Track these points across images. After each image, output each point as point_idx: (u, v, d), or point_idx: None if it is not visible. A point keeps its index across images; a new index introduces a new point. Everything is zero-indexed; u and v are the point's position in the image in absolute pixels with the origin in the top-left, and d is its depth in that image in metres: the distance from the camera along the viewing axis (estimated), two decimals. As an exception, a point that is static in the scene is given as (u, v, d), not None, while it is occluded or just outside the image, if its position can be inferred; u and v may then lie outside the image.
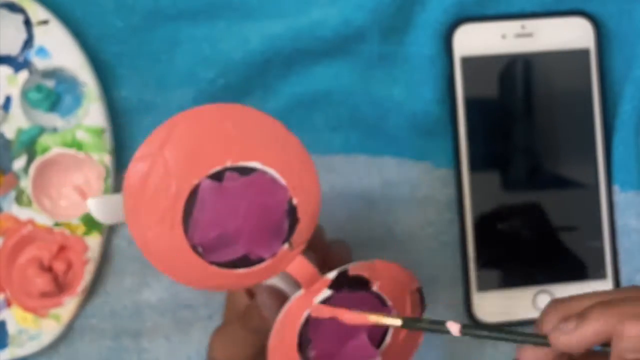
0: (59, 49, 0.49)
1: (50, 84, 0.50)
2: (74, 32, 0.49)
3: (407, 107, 0.52)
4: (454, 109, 0.52)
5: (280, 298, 0.40)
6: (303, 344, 0.39)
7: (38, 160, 0.50)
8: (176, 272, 0.37)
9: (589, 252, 0.53)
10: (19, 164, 0.50)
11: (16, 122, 0.50)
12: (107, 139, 0.50)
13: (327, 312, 0.39)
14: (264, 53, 0.51)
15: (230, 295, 0.45)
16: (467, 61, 0.52)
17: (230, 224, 0.37)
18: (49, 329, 0.50)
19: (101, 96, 0.50)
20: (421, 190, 0.53)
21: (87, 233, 0.50)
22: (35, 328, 0.50)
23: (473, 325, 0.37)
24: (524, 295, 0.53)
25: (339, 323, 0.39)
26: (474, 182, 0.52)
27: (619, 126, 0.53)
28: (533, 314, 0.52)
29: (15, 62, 0.49)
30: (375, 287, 0.40)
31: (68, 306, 0.50)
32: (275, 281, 0.41)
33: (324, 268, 0.39)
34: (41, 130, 0.50)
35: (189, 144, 0.36)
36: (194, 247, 0.37)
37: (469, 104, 0.52)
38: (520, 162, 0.53)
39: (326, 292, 0.39)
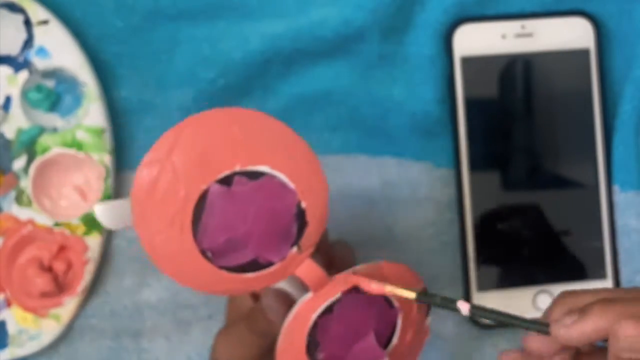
0: (59, 49, 0.49)
1: (50, 84, 0.50)
2: (74, 32, 0.49)
3: (407, 107, 0.52)
4: (454, 109, 0.52)
5: (286, 301, 0.40)
6: (311, 347, 0.39)
7: (38, 160, 0.50)
8: (185, 277, 0.37)
9: (589, 252, 0.53)
10: (19, 164, 0.50)
11: (16, 122, 0.50)
12: (107, 139, 0.50)
13: (353, 280, 0.39)
14: (264, 53, 0.51)
15: (233, 297, 0.45)
16: (467, 61, 0.52)
17: (239, 228, 0.37)
18: (49, 329, 0.50)
19: (101, 96, 0.50)
20: (421, 190, 0.53)
21: (87, 233, 0.50)
22: (35, 328, 0.50)
23: (481, 307, 0.37)
24: (524, 295, 0.53)
25: (347, 325, 0.40)
26: (474, 182, 0.52)
27: (619, 126, 0.53)
28: (533, 314, 0.52)
29: (15, 62, 0.49)
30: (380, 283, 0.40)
31: (68, 306, 0.50)
32: (281, 284, 0.41)
33: (328, 269, 0.39)
34: (41, 130, 0.50)
35: (197, 148, 0.36)
36: (203, 252, 0.37)
37: (469, 104, 0.52)
38: (520, 162, 0.53)
39: (336, 295, 0.39)
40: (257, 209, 0.37)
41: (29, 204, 0.50)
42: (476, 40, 0.52)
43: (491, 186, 0.52)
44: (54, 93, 0.50)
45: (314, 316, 0.39)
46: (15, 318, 0.50)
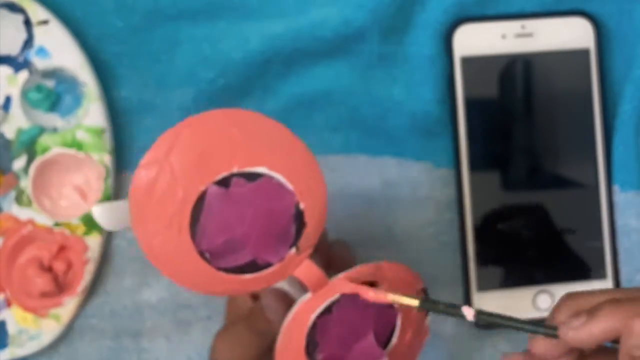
0: (59, 49, 0.49)
1: (50, 84, 0.50)
2: (74, 32, 0.49)
3: (407, 107, 0.52)
4: (454, 109, 0.52)
5: (285, 301, 0.40)
6: (310, 347, 0.39)
7: (38, 160, 0.50)
8: (183, 278, 0.37)
9: (589, 252, 0.53)
10: (19, 164, 0.50)
11: (16, 122, 0.50)
12: (107, 139, 0.50)
13: (351, 288, 0.39)
14: (264, 53, 0.51)
15: (232, 297, 0.45)
16: (467, 61, 0.52)
17: (237, 230, 0.37)
18: (49, 329, 0.50)
19: (101, 96, 0.50)
20: (421, 190, 0.53)
21: (87, 233, 0.50)
22: (35, 328, 0.50)
23: (486, 311, 0.37)
24: (524, 295, 0.53)
25: (347, 325, 0.40)
26: (474, 182, 0.52)
27: (619, 126, 0.53)
28: (533, 314, 0.52)
29: (15, 62, 0.49)
30: (381, 289, 0.40)
31: (68, 306, 0.50)
32: (281, 284, 0.41)
33: (326, 269, 0.39)
34: (41, 130, 0.50)
35: (195, 150, 0.36)
36: (202, 253, 0.37)
37: (469, 104, 0.52)
38: (520, 162, 0.53)
39: (335, 296, 0.39)
40: (255, 210, 0.37)
41: (29, 204, 0.50)
42: (476, 40, 0.52)
43: (491, 186, 0.52)
44: (54, 93, 0.50)
45: (312, 316, 0.39)
46: (15, 318, 0.50)
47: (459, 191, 0.52)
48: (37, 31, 0.49)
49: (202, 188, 0.36)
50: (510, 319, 0.37)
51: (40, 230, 0.50)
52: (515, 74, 0.52)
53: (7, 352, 0.50)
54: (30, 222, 0.50)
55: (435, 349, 0.53)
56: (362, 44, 0.51)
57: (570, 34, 0.53)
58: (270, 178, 0.37)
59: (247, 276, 0.38)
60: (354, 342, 0.40)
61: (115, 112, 0.51)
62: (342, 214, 0.52)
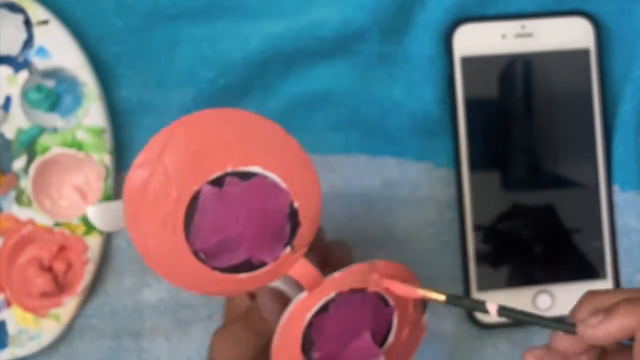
0: (59, 49, 0.49)
1: (50, 84, 0.50)
2: (74, 32, 0.49)
3: (407, 107, 0.52)
4: (454, 109, 0.52)
5: (282, 300, 0.40)
6: (307, 346, 0.39)
7: (38, 160, 0.50)
8: (178, 278, 0.37)
9: (589, 252, 0.53)
10: (19, 164, 0.50)
11: (16, 122, 0.50)
12: (107, 139, 0.50)
13: (385, 284, 0.39)
14: (264, 53, 0.51)
15: (230, 297, 0.45)
16: (467, 61, 0.52)
17: (231, 229, 0.37)
18: (49, 329, 0.50)
19: (101, 96, 0.50)
20: (421, 190, 0.53)
21: (87, 233, 0.50)
22: (35, 328, 0.50)
23: (509, 307, 0.38)
24: (524, 295, 0.53)
25: (343, 324, 0.40)
26: (474, 182, 0.52)
27: (619, 126, 0.53)
28: (533, 314, 0.52)
29: (15, 62, 0.49)
30: (377, 287, 0.40)
31: (68, 306, 0.50)
32: (277, 283, 0.41)
33: (324, 268, 0.39)
34: (41, 130, 0.50)
35: (188, 149, 0.36)
36: (196, 253, 0.37)
37: (469, 104, 0.52)
38: (520, 162, 0.53)
39: (330, 294, 0.39)
40: (249, 209, 0.37)
41: (29, 204, 0.50)
42: (476, 40, 0.52)
43: (491, 186, 0.52)
44: (54, 93, 0.50)
45: (308, 315, 0.39)
46: (15, 318, 0.50)
47: (459, 191, 0.52)
48: (37, 31, 0.49)
49: (195, 188, 0.36)
50: (531, 315, 0.38)
51: (40, 230, 0.50)
52: (515, 74, 0.52)
53: (7, 352, 0.50)
54: (30, 222, 0.50)
55: (435, 349, 0.53)
56: (362, 44, 0.51)
57: (570, 34, 0.53)
58: (264, 177, 0.37)
59: (242, 275, 0.38)
60: (350, 340, 0.40)
61: (115, 112, 0.51)
62: (342, 214, 0.52)
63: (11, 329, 0.50)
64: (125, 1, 0.50)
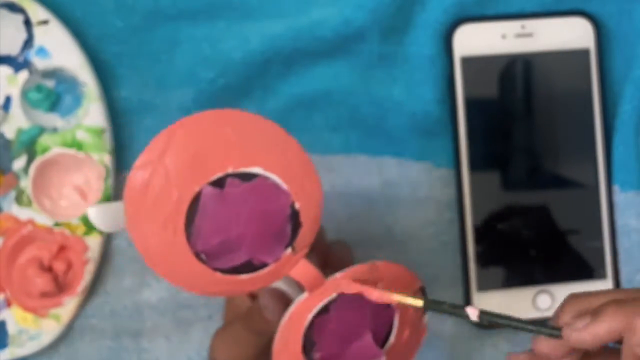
0: (59, 49, 0.49)
1: (50, 84, 0.50)
2: (74, 32, 0.49)
3: (407, 107, 0.52)
4: (454, 109, 0.52)
5: (283, 300, 0.40)
6: (308, 347, 0.39)
7: (38, 160, 0.50)
8: (179, 279, 0.37)
9: (589, 252, 0.53)
10: (19, 164, 0.50)
11: (16, 122, 0.50)
12: (107, 139, 0.50)
13: (355, 288, 0.39)
14: (264, 53, 0.51)
15: (231, 297, 0.45)
16: (467, 61, 0.52)
17: (232, 230, 0.37)
18: (49, 329, 0.50)
19: (101, 96, 0.50)
20: (421, 190, 0.53)
21: (87, 233, 0.50)
22: (35, 328, 0.50)
23: (490, 312, 0.38)
24: (524, 295, 0.53)
25: (344, 324, 0.39)
26: (474, 182, 0.52)
27: (619, 126, 0.53)
28: (533, 314, 0.52)
29: (15, 62, 0.49)
30: (378, 288, 0.40)
31: (68, 306, 0.50)
32: (278, 284, 0.41)
33: (324, 269, 0.39)
34: (41, 130, 0.50)
35: (189, 150, 0.36)
36: (197, 254, 0.37)
37: (469, 104, 0.52)
38: (520, 162, 0.53)
39: (331, 295, 0.39)
40: (250, 210, 0.37)
41: (29, 204, 0.50)
42: (476, 40, 0.52)
43: (491, 186, 0.52)
44: (54, 93, 0.50)
45: (309, 316, 0.39)
46: (15, 318, 0.50)
47: (459, 191, 0.52)
48: (37, 31, 0.49)
49: (196, 189, 0.36)
50: (513, 319, 0.37)
51: (40, 230, 0.50)
52: (515, 74, 0.52)
53: (7, 352, 0.50)
54: (30, 222, 0.50)
55: (435, 349, 0.53)
56: (362, 44, 0.51)
57: (570, 34, 0.53)
58: (265, 178, 0.37)
59: (243, 276, 0.38)
60: (351, 341, 0.40)
61: (115, 112, 0.51)
62: (342, 214, 0.52)
63: (11, 329, 0.50)
64: (125, 1, 0.50)
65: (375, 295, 0.39)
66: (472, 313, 0.38)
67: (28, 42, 0.49)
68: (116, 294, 0.52)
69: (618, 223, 0.53)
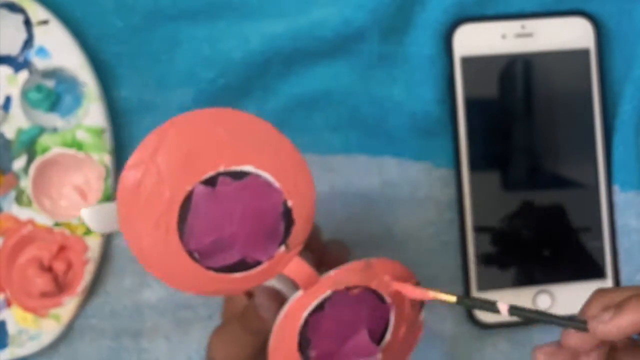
0: (59, 49, 0.49)
1: (50, 84, 0.50)
2: (74, 32, 0.49)
3: (407, 107, 0.52)
4: (454, 109, 0.52)
5: (278, 299, 0.40)
6: (303, 345, 0.39)
7: (38, 160, 0.50)
8: (173, 279, 0.37)
9: (589, 252, 0.53)
10: (19, 164, 0.50)
11: (16, 122, 0.50)
12: (107, 139, 0.50)
13: (392, 286, 0.39)
14: (264, 53, 0.51)
15: (229, 296, 0.45)
16: (467, 61, 0.52)
17: (225, 229, 0.37)
18: (49, 329, 0.50)
19: (101, 96, 0.50)
20: (421, 190, 0.53)
21: (87, 233, 0.50)
22: (35, 328, 0.50)
23: (519, 307, 0.38)
24: (524, 295, 0.53)
25: (339, 322, 0.40)
26: (474, 182, 0.52)
27: (619, 126, 0.53)
28: (533, 314, 0.52)
29: (15, 62, 0.49)
30: (373, 285, 0.40)
31: (68, 306, 0.50)
32: (273, 282, 0.41)
33: (320, 267, 0.39)
34: (41, 130, 0.50)
35: (181, 150, 0.36)
36: (190, 253, 0.37)
37: (469, 104, 0.52)
38: (520, 162, 0.53)
39: (326, 293, 0.39)
40: (242, 208, 0.37)
41: (29, 204, 0.50)
42: (476, 40, 0.52)
43: (491, 186, 0.52)
44: (54, 93, 0.50)
45: (304, 314, 0.39)
46: (15, 318, 0.50)
47: (459, 191, 0.52)
48: (37, 31, 0.49)
49: (188, 188, 0.36)
50: (542, 313, 0.38)
51: (40, 230, 0.50)
52: (515, 74, 0.52)
53: (7, 352, 0.50)
54: (30, 222, 0.50)
55: (435, 349, 0.53)
56: (362, 44, 0.51)
57: (570, 34, 0.53)
58: (257, 176, 0.37)
59: (237, 275, 0.38)
60: (347, 338, 0.40)
61: (115, 112, 0.51)
62: (341, 214, 0.52)
63: (11, 329, 0.50)
64: (125, 1, 0.50)
65: (415, 292, 0.39)
66: (503, 308, 0.38)
67: (28, 42, 0.49)
68: (116, 294, 0.52)
69: (618, 223, 0.53)
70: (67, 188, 0.51)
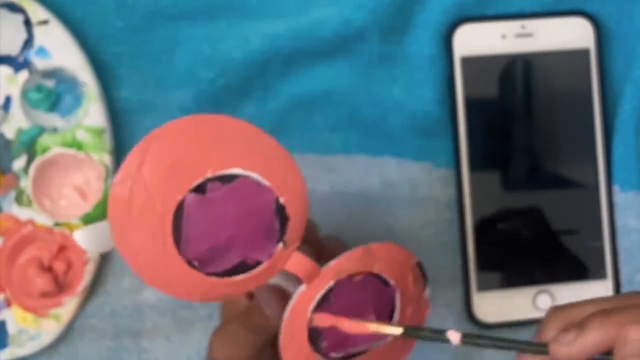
0: (59, 49, 0.49)
1: (50, 84, 0.50)
2: (74, 32, 0.49)
3: (407, 107, 0.52)
4: (454, 109, 0.52)
5: (281, 294, 0.40)
6: (313, 337, 0.39)
7: (38, 160, 0.50)
8: (176, 290, 0.37)
9: (589, 252, 0.53)
10: (19, 164, 0.50)
11: (16, 122, 0.50)
12: (107, 139, 0.50)
13: (328, 321, 0.39)
14: (264, 53, 0.51)
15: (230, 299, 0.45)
16: (467, 61, 0.52)
17: (221, 234, 0.37)
18: (49, 329, 0.50)
19: (101, 96, 0.50)
20: (421, 190, 0.53)
21: (87, 233, 0.50)
22: (35, 328, 0.50)
23: (473, 334, 0.37)
24: (524, 295, 0.53)
25: (346, 310, 0.40)
26: (474, 182, 0.52)
27: (619, 126, 0.53)
28: (533, 314, 0.52)
29: (15, 62, 0.49)
30: (375, 269, 0.40)
31: (68, 306, 0.50)
32: (275, 279, 0.41)
33: (320, 262, 0.39)
34: (41, 130, 0.50)
35: (166, 161, 0.36)
36: (189, 262, 0.37)
37: (469, 104, 0.52)
38: (520, 162, 0.53)
39: (329, 284, 0.39)
40: (235, 211, 0.37)
41: (29, 204, 0.50)
42: (476, 40, 0.52)
43: (491, 186, 0.52)
44: (54, 93, 0.50)
45: (311, 306, 0.39)
46: (15, 318, 0.50)
47: (459, 191, 0.52)
48: (37, 31, 0.49)
49: (179, 198, 0.36)
50: (498, 339, 0.37)
51: (40, 230, 0.50)
52: (515, 74, 0.52)
53: (7, 352, 0.50)
54: (30, 222, 0.50)
55: (436, 349, 0.53)
56: (362, 44, 0.51)
57: (570, 34, 0.53)
58: (246, 177, 0.37)
59: (239, 277, 0.38)
60: None
61: (115, 112, 0.51)
62: (341, 214, 0.52)
63: (11, 329, 0.50)
64: (125, 1, 0.50)
65: (348, 326, 0.39)
66: (454, 337, 0.37)
67: (28, 42, 0.49)
68: (116, 294, 0.52)
69: (618, 223, 0.53)
70: (67, 188, 0.51)
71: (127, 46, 0.51)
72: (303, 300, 0.39)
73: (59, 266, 0.50)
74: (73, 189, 0.51)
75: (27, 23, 0.49)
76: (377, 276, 0.40)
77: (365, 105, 0.52)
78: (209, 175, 0.36)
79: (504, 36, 0.52)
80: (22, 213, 0.50)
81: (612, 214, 0.53)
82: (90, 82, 0.50)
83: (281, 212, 0.38)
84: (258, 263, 0.38)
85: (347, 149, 0.53)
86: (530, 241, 0.53)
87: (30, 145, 0.50)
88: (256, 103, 0.52)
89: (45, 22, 0.49)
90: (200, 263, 0.37)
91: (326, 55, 0.51)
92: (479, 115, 0.52)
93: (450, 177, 0.53)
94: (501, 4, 0.53)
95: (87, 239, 0.38)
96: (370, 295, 0.40)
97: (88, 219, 0.50)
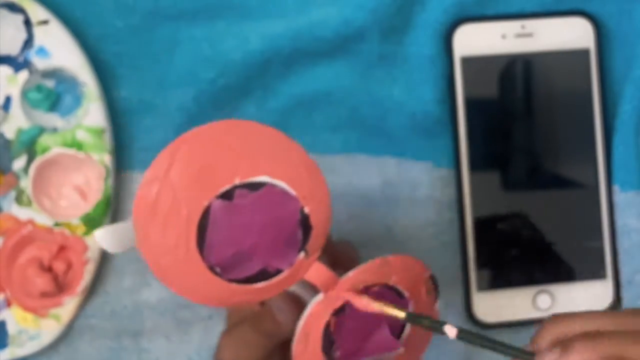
0: (59, 49, 0.49)
1: (50, 84, 0.50)
2: (74, 32, 0.49)
3: (407, 107, 0.52)
4: (454, 109, 0.52)
5: (295, 302, 0.41)
6: (327, 346, 0.39)
7: (38, 160, 0.50)
8: (196, 294, 0.37)
9: (589, 252, 0.53)
10: (19, 164, 0.50)
11: (16, 122, 0.50)
12: (107, 139, 0.50)
13: (343, 297, 0.39)
14: (264, 53, 0.51)
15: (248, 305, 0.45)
16: (467, 61, 0.52)
17: (245, 241, 0.37)
18: (49, 329, 0.50)
19: (101, 96, 0.50)
20: (421, 190, 0.53)
21: (87, 233, 0.50)
22: (35, 328, 0.50)
23: (468, 331, 0.37)
24: (524, 295, 0.53)
25: (361, 320, 0.40)
26: (474, 182, 0.52)
27: (619, 126, 0.53)
28: (533, 314, 0.52)
29: (15, 62, 0.49)
30: (391, 282, 0.40)
31: (68, 306, 0.50)
32: (291, 287, 0.41)
33: (333, 268, 0.39)
34: (41, 130, 0.50)
35: (194, 165, 0.35)
36: (212, 268, 0.37)
37: (469, 104, 0.52)
38: (520, 162, 0.53)
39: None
40: (260, 219, 0.37)
41: (29, 204, 0.50)
42: (476, 40, 0.52)
43: (491, 186, 0.52)
44: (54, 93, 0.50)
45: (327, 316, 0.39)
46: (15, 318, 0.50)
47: (459, 191, 0.52)
48: (37, 31, 0.49)
49: (205, 203, 0.36)
50: (490, 340, 0.37)
51: (40, 230, 0.50)
52: (515, 74, 0.52)
53: (7, 352, 0.50)
54: (30, 222, 0.50)
55: (436, 349, 0.53)
56: (362, 44, 0.51)
57: (570, 34, 0.53)
58: (273, 186, 0.37)
59: (259, 285, 0.38)
60: (369, 335, 0.41)
61: (115, 112, 0.51)
62: (342, 214, 0.52)
63: (11, 329, 0.50)
64: (125, 1, 0.50)
65: (360, 303, 0.39)
66: (451, 331, 0.38)
67: (28, 42, 0.49)
68: (116, 294, 0.52)
69: (618, 223, 0.53)
70: (67, 188, 0.51)
71: (127, 46, 0.51)
72: (320, 310, 0.39)
73: (59, 266, 0.50)
74: (73, 189, 0.51)
75: (27, 23, 0.49)
76: (392, 287, 0.40)
77: (365, 105, 0.52)
78: (237, 182, 0.36)
79: (504, 36, 0.52)
80: (22, 213, 0.50)
81: (612, 214, 0.53)
82: (90, 82, 0.50)
83: (305, 222, 0.38)
84: (279, 271, 0.38)
85: (347, 149, 0.53)
86: (530, 241, 0.53)
87: (30, 145, 0.50)
88: (256, 103, 0.52)
89: (45, 22, 0.49)
90: (222, 269, 0.37)
91: (326, 55, 0.51)
92: (479, 115, 0.52)
93: (451, 177, 0.53)
94: (501, 4, 0.53)
95: (107, 239, 0.37)
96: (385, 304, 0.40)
97: (88, 219, 0.50)
